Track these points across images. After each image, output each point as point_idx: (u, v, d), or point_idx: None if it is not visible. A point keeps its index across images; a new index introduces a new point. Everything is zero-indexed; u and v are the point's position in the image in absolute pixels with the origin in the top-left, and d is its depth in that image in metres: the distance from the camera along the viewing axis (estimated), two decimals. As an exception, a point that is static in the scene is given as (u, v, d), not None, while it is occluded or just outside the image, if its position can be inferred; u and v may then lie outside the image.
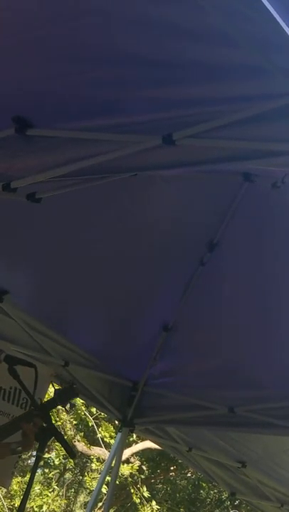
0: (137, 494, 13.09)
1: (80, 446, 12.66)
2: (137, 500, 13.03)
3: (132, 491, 13.22)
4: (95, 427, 12.52)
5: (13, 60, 2.84)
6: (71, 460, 13.22)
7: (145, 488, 13.28)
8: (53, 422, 8.77)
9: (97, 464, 12.91)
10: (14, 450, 3.40)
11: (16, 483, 12.32)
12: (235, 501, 14.62)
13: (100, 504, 11.74)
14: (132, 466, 12.83)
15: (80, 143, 3.08)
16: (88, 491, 14.28)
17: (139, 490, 13.11)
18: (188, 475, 15.50)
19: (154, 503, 13.00)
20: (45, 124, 3.11)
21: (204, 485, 15.48)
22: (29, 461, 13.74)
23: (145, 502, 12.93)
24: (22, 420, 3.38)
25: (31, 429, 3.23)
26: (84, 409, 12.65)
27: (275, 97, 2.53)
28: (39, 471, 14.11)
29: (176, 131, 2.82)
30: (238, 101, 2.64)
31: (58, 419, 12.11)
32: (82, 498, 15.57)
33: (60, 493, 13.75)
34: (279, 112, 2.55)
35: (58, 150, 3.12)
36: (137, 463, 13.54)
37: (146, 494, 13.00)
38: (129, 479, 13.15)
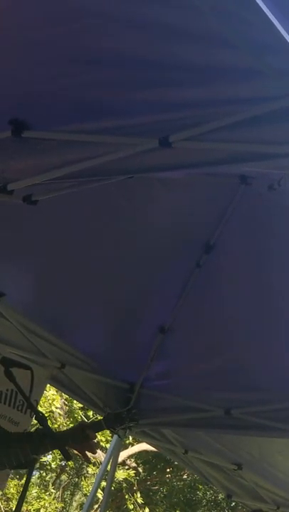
0: (130, 500, 13.10)
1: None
2: (131, 506, 13.04)
3: (126, 496, 13.23)
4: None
5: (10, 61, 2.84)
6: (69, 463, 13.22)
7: (139, 494, 13.28)
8: (50, 424, 8.76)
9: (94, 468, 12.90)
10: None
11: (13, 486, 12.31)
12: (232, 503, 14.62)
13: (96, 506, 11.73)
14: (128, 473, 12.83)
15: (76, 145, 3.08)
16: (84, 491, 14.27)
17: (133, 496, 13.11)
18: (185, 477, 15.50)
19: (147, 510, 13.01)
20: (42, 126, 3.11)
21: (200, 486, 15.48)
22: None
23: (139, 508, 12.94)
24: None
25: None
26: (81, 412, 12.65)
27: (271, 100, 2.53)
28: (36, 473, 14.10)
29: (172, 134, 2.81)
30: (235, 103, 2.64)
31: (54, 421, 12.10)
32: (78, 498, 15.57)
33: (57, 496, 13.74)
34: (275, 114, 2.55)
35: (55, 152, 3.12)
36: (133, 465, 13.53)
37: (140, 500, 13.00)
38: (124, 484, 13.16)
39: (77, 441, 3.46)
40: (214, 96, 2.68)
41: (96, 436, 3.58)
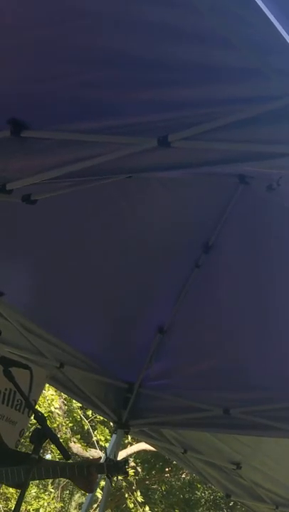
0: (131, 499, 13.09)
1: (76, 447, 12.65)
2: (131, 505, 13.04)
3: (126, 495, 13.22)
4: (91, 430, 12.51)
5: (8, 61, 2.84)
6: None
7: (139, 493, 13.28)
8: (48, 424, 8.74)
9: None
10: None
11: (12, 485, 12.27)
12: (230, 502, 14.62)
13: (96, 506, 11.72)
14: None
15: (75, 145, 3.08)
16: (83, 492, 14.25)
17: (133, 494, 13.11)
18: (183, 476, 15.50)
19: (147, 508, 13.01)
20: (41, 125, 3.11)
21: (199, 486, 15.47)
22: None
23: (139, 507, 12.94)
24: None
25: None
26: (80, 412, 12.65)
27: (270, 99, 2.53)
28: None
29: (171, 133, 2.81)
30: (234, 103, 2.63)
31: (53, 421, 12.10)
32: (77, 497, 15.56)
33: (56, 495, 13.73)
34: (274, 114, 2.55)
35: (53, 152, 3.12)
36: (132, 465, 13.52)
37: (140, 499, 13.00)
38: (124, 483, 13.15)
39: (81, 474, 3.62)
40: (214, 96, 2.67)
41: (97, 477, 3.87)
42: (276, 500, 6.43)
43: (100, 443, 12.39)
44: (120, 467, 3.86)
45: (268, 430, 5.20)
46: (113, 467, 3.82)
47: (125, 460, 4.16)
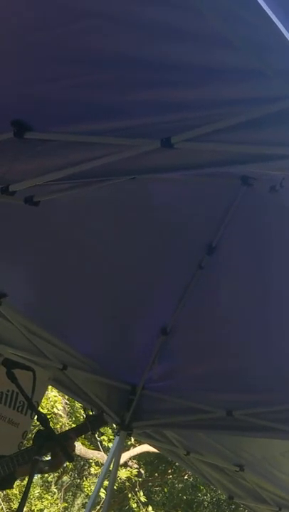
0: (134, 499, 13.10)
1: (78, 448, 12.65)
2: (134, 505, 13.04)
3: (130, 495, 13.22)
4: (94, 430, 12.49)
5: (11, 63, 2.84)
6: (69, 465, 13.23)
7: (142, 493, 13.28)
8: (52, 425, 8.74)
9: (96, 468, 12.89)
10: (42, 469, 3.52)
11: (16, 486, 12.31)
12: (233, 504, 14.60)
13: (98, 507, 11.72)
14: (131, 472, 12.83)
15: (78, 146, 3.08)
16: (86, 493, 14.26)
17: (136, 494, 13.11)
18: (186, 478, 15.49)
19: (150, 508, 13.01)
20: (44, 127, 3.11)
21: (202, 487, 15.46)
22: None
23: (142, 506, 12.95)
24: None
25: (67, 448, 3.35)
26: (83, 412, 12.65)
27: (273, 101, 2.52)
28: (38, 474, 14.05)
29: (174, 135, 2.81)
30: (237, 104, 2.63)
31: (56, 421, 12.11)
32: (80, 500, 15.55)
33: (59, 496, 13.74)
34: (277, 115, 2.54)
35: (56, 153, 3.12)
36: (135, 466, 13.52)
37: (143, 499, 13.01)
38: (127, 483, 13.15)
39: (61, 443, 3.46)
40: (216, 97, 2.67)
41: (75, 440, 3.80)
42: (279, 502, 6.42)
43: (103, 443, 12.39)
44: (101, 419, 3.82)
45: (271, 432, 5.19)
46: (95, 421, 3.76)
47: (102, 412, 4.11)
